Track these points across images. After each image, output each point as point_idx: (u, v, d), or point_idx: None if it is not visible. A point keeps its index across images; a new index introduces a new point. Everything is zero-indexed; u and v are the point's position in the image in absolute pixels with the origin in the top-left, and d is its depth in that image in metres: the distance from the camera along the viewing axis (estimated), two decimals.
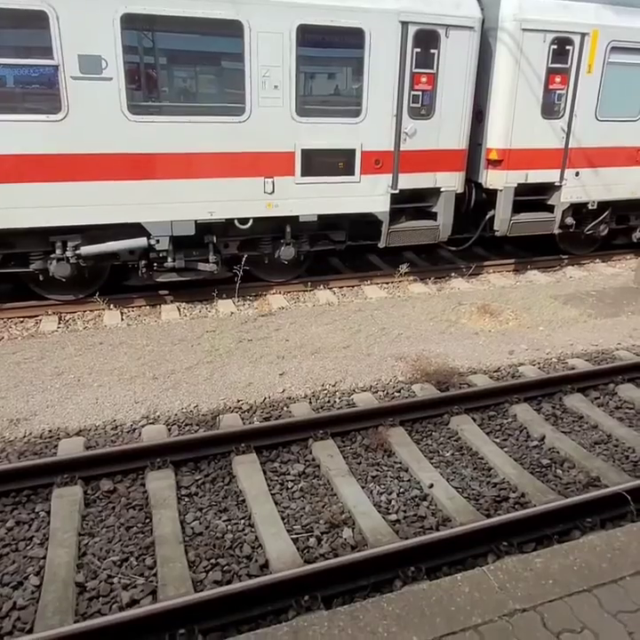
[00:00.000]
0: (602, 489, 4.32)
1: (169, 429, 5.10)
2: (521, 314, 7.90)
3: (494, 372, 6.31)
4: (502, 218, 8.98)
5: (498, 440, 5.15)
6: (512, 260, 10.22)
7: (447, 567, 3.71)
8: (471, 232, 9.46)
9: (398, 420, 5.21)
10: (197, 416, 5.33)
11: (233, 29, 6.86)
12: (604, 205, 9.68)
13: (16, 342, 6.79)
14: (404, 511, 4.25)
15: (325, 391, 5.81)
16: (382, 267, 9.68)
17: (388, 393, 5.82)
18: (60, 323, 7.37)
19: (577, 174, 9.17)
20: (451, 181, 8.52)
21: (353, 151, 7.81)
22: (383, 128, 7.87)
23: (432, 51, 7.81)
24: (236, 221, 7.62)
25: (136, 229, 7.19)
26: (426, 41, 7.73)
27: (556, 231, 9.51)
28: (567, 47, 8.46)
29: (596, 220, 9.87)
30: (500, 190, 8.83)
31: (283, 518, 4.10)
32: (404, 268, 8.94)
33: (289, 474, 4.62)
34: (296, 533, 3.99)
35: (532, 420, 5.38)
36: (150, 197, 7.08)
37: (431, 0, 7.65)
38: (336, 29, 7.31)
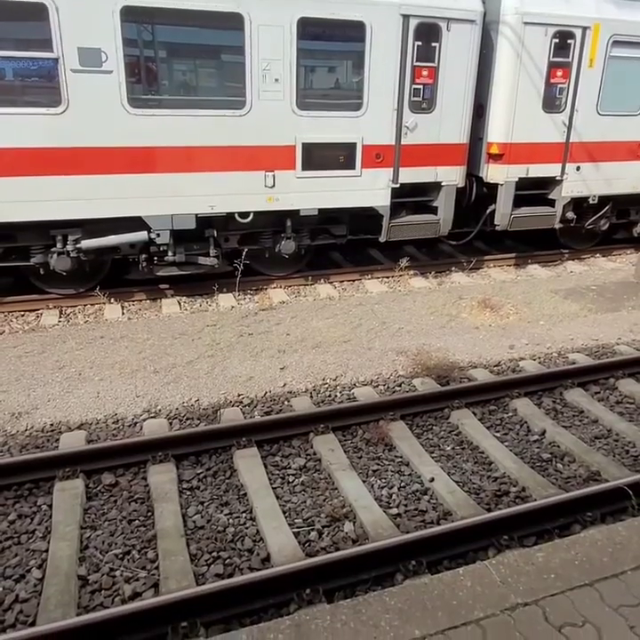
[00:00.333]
0: (602, 483, 4.33)
1: (170, 423, 5.11)
2: (521, 308, 7.90)
3: (495, 366, 6.32)
4: (503, 212, 8.96)
5: (498, 434, 5.16)
6: (513, 255, 10.20)
7: (448, 561, 3.73)
8: (472, 226, 9.45)
9: (399, 414, 5.22)
10: (198, 410, 5.33)
11: (233, 22, 6.83)
12: (604, 200, 9.67)
13: (17, 336, 6.79)
14: (405, 505, 4.26)
15: (326, 385, 5.82)
16: (383, 261, 9.67)
17: (388, 387, 5.82)
18: (60, 316, 7.36)
19: (578, 169, 9.15)
20: (452, 176, 8.50)
21: (354, 145, 7.78)
22: (384, 122, 7.85)
23: (433, 44, 7.77)
24: (236, 215, 7.60)
25: (137, 223, 7.18)
26: (427, 34, 7.69)
27: (557, 226, 9.50)
28: (569, 41, 8.42)
29: (597, 215, 9.86)
30: (501, 184, 8.80)
31: (284, 512, 4.12)
32: (404, 262, 8.93)
33: (290, 468, 4.63)
34: (297, 527, 4.00)
35: (532, 415, 5.39)
36: (151, 191, 7.07)
37: None
38: (337, 22, 7.27)
